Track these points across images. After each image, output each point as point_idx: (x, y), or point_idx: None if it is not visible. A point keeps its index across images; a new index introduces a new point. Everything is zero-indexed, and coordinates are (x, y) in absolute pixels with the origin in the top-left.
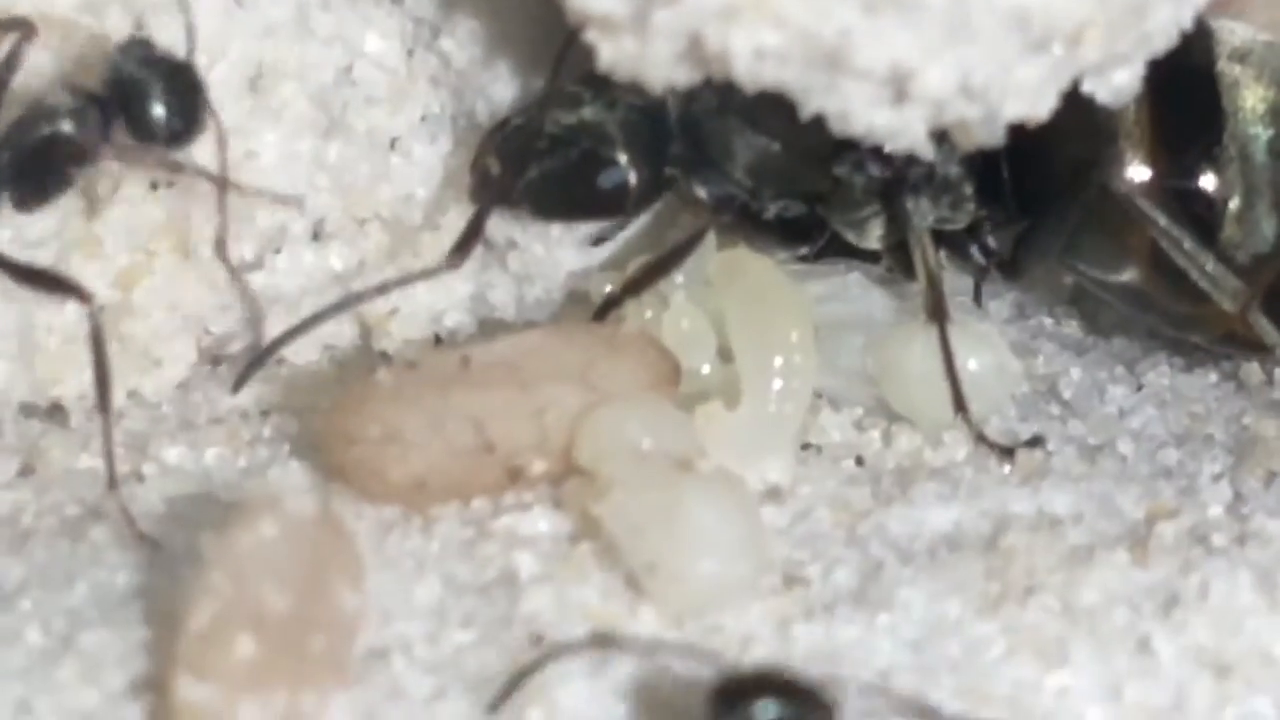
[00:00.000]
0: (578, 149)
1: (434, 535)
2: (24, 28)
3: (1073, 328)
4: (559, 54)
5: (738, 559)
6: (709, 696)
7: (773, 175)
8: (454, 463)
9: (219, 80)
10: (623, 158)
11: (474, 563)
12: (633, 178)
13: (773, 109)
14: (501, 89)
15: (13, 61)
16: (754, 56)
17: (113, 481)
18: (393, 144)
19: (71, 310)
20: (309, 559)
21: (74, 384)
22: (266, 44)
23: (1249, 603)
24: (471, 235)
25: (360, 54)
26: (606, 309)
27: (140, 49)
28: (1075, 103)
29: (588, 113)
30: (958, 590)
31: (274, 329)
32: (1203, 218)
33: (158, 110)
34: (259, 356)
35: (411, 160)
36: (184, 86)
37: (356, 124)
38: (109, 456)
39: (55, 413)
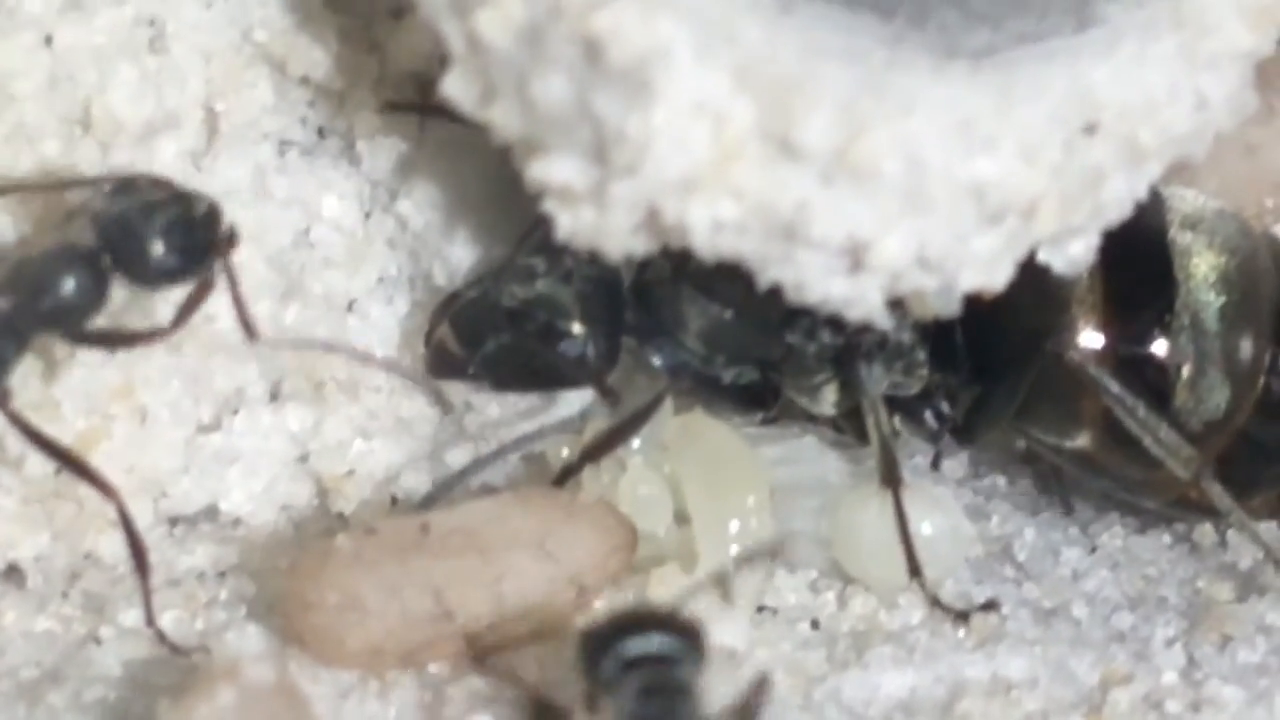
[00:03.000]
0: (534, 322)
1: (391, 700)
2: None
3: (1026, 487)
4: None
5: None
6: (579, 641)
7: (725, 342)
8: (412, 630)
9: None
10: (579, 329)
11: None
12: (590, 349)
13: (725, 277)
14: (459, 252)
15: None
16: (712, 228)
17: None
18: (350, 306)
19: (29, 470)
20: None
21: (30, 546)
22: (224, 206)
23: None
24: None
25: (318, 216)
26: (565, 476)
27: (128, 191)
28: (1028, 270)
29: (542, 285)
30: None
31: (233, 491)
32: (1155, 385)
33: (157, 253)
34: (445, 484)
35: (369, 322)
36: (179, 223)
37: (314, 286)
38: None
39: (12, 574)
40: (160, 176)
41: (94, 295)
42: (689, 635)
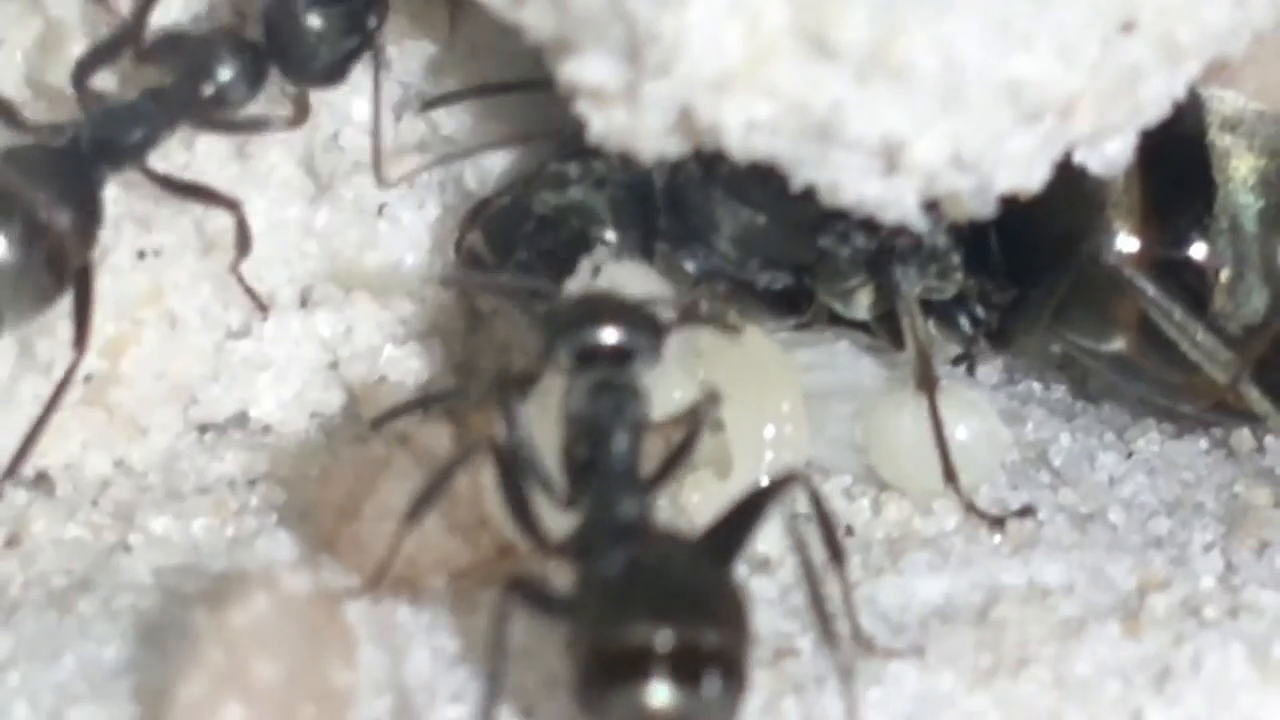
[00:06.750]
0: (567, 229)
1: (424, 607)
2: None
3: (1062, 393)
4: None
5: None
6: (542, 318)
7: (758, 247)
8: (445, 538)
9: (205, 148)
10: (613, 236)
11: (463, 636)
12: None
13: (757, 180)
14: (489, 156)
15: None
16: (745, 128)
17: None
18: (380, 210)
19: (58, 377)
20: (302, 635)
21: (60, 454)
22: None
23: (1241, 676)
24: None
25: (348, 120)
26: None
27: None
28: (1064, 172)
29: (576, 192)
30: (949, 663)
31: (263, 397)
32: (1193, 288)
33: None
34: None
35: (399, 227)
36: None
37: (344, 190)
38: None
39: (41, 482)
40: None
41: (250, 87)
42: (648, 329)
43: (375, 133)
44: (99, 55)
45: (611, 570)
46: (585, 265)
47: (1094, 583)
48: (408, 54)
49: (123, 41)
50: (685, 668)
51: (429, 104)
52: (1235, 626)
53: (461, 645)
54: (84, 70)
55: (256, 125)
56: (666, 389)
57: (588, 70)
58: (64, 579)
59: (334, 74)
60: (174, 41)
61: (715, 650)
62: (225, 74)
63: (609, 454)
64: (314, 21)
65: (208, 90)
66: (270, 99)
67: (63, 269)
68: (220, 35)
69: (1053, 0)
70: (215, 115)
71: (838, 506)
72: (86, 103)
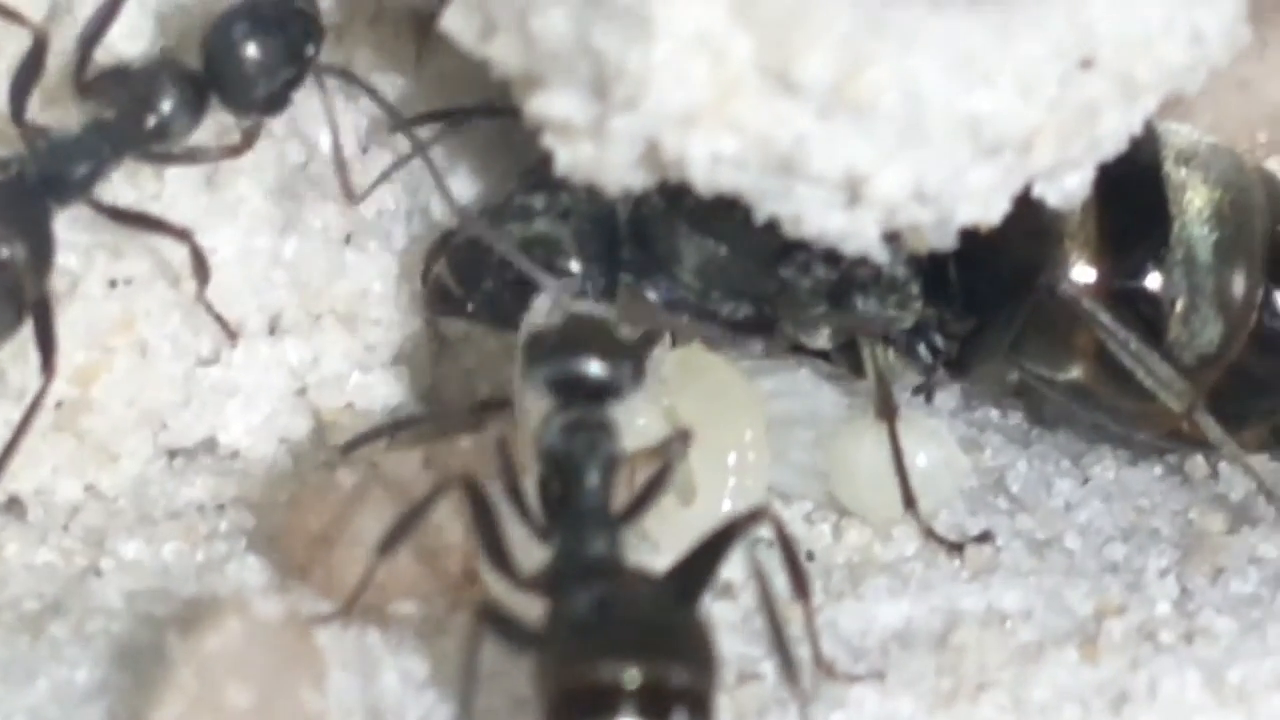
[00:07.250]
0: (533, 261)
1: (392, 632)
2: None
3: (1019, 420)
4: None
5: None
6: (524, 341)
7: (721, 277)
8: (413, 564)
9: (174, 176)
10: (578, 267)
11: (432, 660)
12: (589, 287)
13: (720, 212)
14: (456, 185)
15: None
16: (711, 162)
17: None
18: (348, 239)
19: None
20: (274, 659)
21: (31, 479)
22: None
23: (1197, 700)
24: None
25: (316, 151)
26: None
27: (241, 17)
28: (1022, 205)
29: (541, 224)
30: (909, 687)
31: (232, 424)
32: (1149, 319)
33: (256, 81)
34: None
35: (367, 255)
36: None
37: (312, 220)
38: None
39: (12, 507)
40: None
41: (192, 117)
42: (629, 361)
43: (336, 149)
44: (23, 79)
45: (581, 607)
46: (542, 302)
47: (1051, 608)
48: (375, 86)
49: (39, 57)
50: (653, 705)
51: (398, 125)
52: (1190, 651)
53: (430, 668)
54: (17, 99)
55: (196, 156)
56: (631, 416)
57: (555, 105)
58: (36, 603)
59: (274, 103)
60: (115, 74)
61: (683, 688)
62: (167, 105)
63: (581, 491)
64: (251, 51)
65: (150, 122)
66: (226, 128)
67: (20, 302)
68: (161, 66)
69: (1013, 37)
70: (158, 147)
71: (799, 532)
72: (29, 137)
